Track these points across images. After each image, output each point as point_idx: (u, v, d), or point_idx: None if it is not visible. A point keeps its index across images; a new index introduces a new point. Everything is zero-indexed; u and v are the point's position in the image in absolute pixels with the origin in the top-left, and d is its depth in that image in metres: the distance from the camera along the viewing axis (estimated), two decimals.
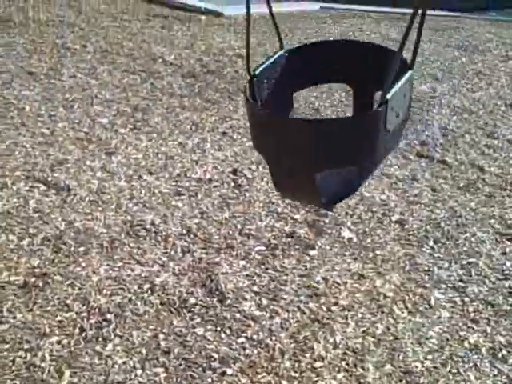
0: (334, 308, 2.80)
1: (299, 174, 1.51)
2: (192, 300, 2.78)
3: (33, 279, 2.82)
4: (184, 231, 3.26)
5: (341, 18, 8.49)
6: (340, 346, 2.60)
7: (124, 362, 2.44)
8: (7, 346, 2.46)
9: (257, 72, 1.61)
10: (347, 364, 2.51)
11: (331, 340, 2.62)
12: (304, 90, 1.95)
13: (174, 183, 3.76)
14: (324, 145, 1.40)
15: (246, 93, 1.57)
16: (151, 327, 2.62)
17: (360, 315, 2.78)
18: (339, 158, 1.45)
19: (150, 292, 2.81)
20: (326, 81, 1.87)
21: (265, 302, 2.80)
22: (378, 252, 3.22)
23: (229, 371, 2.44)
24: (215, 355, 2.50)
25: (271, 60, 1.68)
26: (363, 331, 2.69)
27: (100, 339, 2.54)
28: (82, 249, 3.06)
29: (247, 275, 2.97)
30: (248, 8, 1.61)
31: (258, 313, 2.73)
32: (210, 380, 2.39)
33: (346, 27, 7.94)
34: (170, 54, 6.18)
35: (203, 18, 7.86)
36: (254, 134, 1.61)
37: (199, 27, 7.38)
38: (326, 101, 5.19)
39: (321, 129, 1.44)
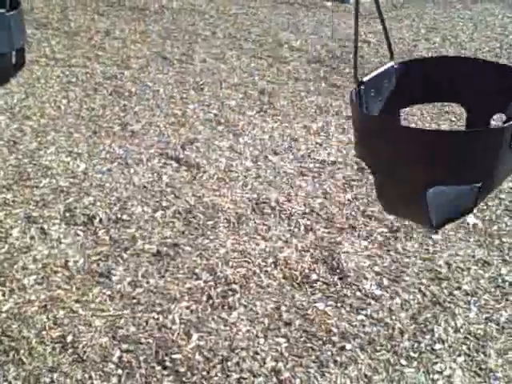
0: (456, 292, 2.77)
1: (409, 188, 1.41)
2: (314, 276, 2.85)
3: (165, 248, 3.01)
4: (307, 210, 3.34)
5: (471, 2, 8.19)
6: (461, 330, 2.57)
7: (248, 330, 2.56)
8: (141, 308, 2.66)
9: (364, 79, 1.56)
10: (468, 348, 2.49)
11: (452, 324, 2.60)
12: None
13: (298, 164, 3.84)
14: (444, 157, 1.32)
15: (352, 98, 1.51)
16: (274, 299, 2.72)
17: (483, 301, 2.73)
18: (459, 174, 1.34)
19: (273, 266, 2.92)
20: (438, 100, 1.80)
21: (386, 282, 2.82)
22: (504, 239, 3.13)
23: (348, 346, 2.49)
24: (335, 330, 2.56)
25: (381, 70, 1.62)
26: (486, 318, 2.64)
27: (226, 307, 2.67)
28: (210, 222, 3.22)
29: (369, 255, 3.00)
30: (356, 22, 1.54)
31: (378, 292, 2.76)
32: (329, 353, 2.46)
33: (477, 12, 7.65)
34: (296, 39, 6.25)
35: (329, 4, 7.86)
36: (361, 141, 1.53)
37: (325, 13, 7.39)
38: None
39: (442, 140, 1.36)
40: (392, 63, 1.65)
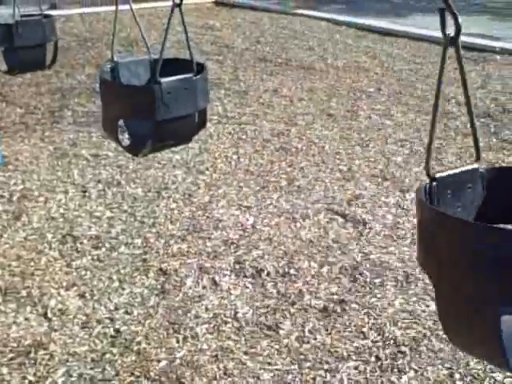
0: None
1: (473, 307, 1.11)
2: None
3: (331, 305, 2.99)
4: None
5: None
6: None
7: None
8: (309, 364, 2.64)
9: (438, 175, 1.28)
10: None
11: None
12: None
13: None
14: None
15: (419, 193, 1.25)
16: (447, 365, 2.58)
17: None
18: None
19: None
20: None
21: None
22: None
23: None
24: None
25: (462, 170, 1.33)
26: None
27: (395, 370, 2.58)
28: (377, 280, 3.16)
29: None
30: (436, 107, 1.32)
31: None
32: None
33: None
34: (463, 94, 6.09)
35: (498, 57, 7.60)
36: (425, 246, 1.23)
37: (494, 67, 7.15)
38: None
39: None
40: (477, 165, 1.34)
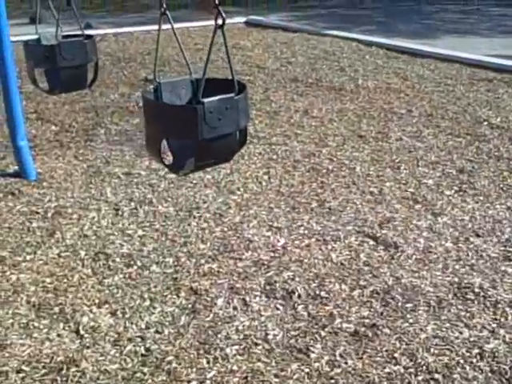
0: None
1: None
2: None
3: (363, 329, 2.97)
4: None
5: None
6: None
7: None
8: None
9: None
10: None
11: None
12: None
13: (502, 248, 3.64)
14: None
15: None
16: None
17: None
18: None
19: (478, 357, 2.74)
20: None
21: None
22: None
23: None
24: None
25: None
26: None
27: None
28: (409, 305, 3.13)
29: None
30: None
31: None
32: None
33: None
34: (495, 116, 6.05)
35: None
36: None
37: None
38: None
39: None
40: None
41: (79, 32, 3.84)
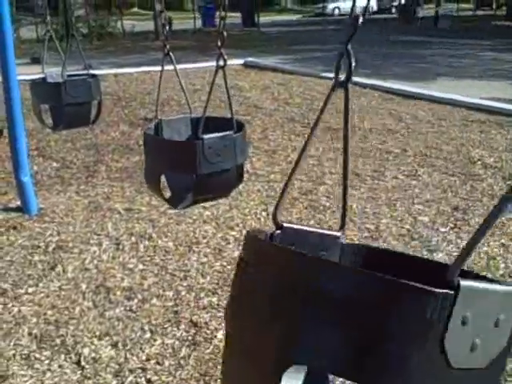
0: None
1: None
2: None
3: None
4: None
5: None
6: None
7: None
8: None
9: (285, 225, 1.20)
10: None
11: None
12: None
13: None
14: None
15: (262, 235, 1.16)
16: None
17: None
18: None
19: None
20: None
21: None
22: None
23: None
24: None
25: (319, 231, 1.23)
26: None
27: None
28: None
29: None
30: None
31: None
32: None
33: None
34: (489, 156, 6.18)
35: None
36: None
37: None
38: None
39: None
40: (339, 233, 1.24)
41: (82, 71, 3.99)
